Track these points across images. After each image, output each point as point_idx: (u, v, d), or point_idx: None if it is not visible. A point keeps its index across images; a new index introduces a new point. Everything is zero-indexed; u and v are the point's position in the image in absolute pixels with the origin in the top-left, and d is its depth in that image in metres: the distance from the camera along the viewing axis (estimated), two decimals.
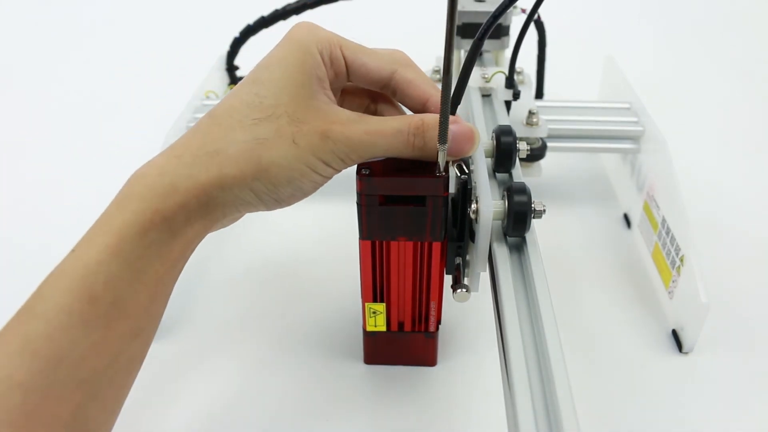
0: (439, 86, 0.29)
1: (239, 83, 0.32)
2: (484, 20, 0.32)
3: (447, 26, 0.27)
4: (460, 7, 0.53)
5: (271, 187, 0.31)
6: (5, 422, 0.25)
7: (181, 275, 0.32)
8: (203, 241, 0.32)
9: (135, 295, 0.28)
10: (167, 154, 0.31)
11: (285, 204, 0.33)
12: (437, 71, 0.54)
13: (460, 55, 0.57)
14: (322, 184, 0.33)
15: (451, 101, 0.33)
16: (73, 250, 0.28)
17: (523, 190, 0.33)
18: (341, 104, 0.36)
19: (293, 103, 0.31)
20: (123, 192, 0.30)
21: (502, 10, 0.30)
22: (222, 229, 0.57)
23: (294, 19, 0.59)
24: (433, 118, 0.32)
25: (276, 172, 0.30)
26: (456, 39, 0.55)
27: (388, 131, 0.31)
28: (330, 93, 0.33)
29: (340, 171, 0.32)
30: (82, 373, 0.26)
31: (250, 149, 0.30)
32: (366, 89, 0.36)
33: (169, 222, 0.29)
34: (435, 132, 0.31)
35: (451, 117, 0.32)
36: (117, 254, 0.28)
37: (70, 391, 0.26)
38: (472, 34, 0.54)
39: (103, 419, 0.28)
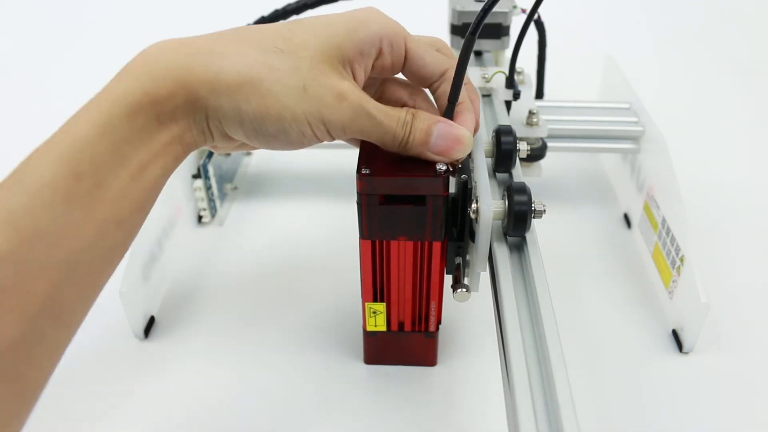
0: None
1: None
2: None
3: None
4: (459, 7, 0.53)
5: (258, 116, 0.30)
6: None
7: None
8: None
9: (118, 179, 0.27)
10: (178, 39, 0.30)
11: (264, 140, 0.31)
12: None
13: None
14: (308, 143, 0.32)
15: (448, 99, 0.33)
16: (64, 124, 0.27)
17: (523, 189, 0.33)
18: (380, 95, 0.37)
19: (322, 53, 0.30)
20: (123, 68, 0.29)
21: (491, 4, 0.30)
22: (221, 229, 0.57)
23: (294, 19, 0.59)
24: (424, 114, 0.33)
25: (270, 103, 0.29)
26: (456, 39, 0.55)
27: (394, 116, 0.32)
28: (362, 72, 0.32)
29: (331, 139, 0.32)
30: (60, 253, 0.26)
31: (258, 70, 0.29)
32: (405, 84, 0.37)
33: (157, 108, 0.28)
34: (421, 124, 0.32)
35: (448, 120, 0.33)
36: (104, 133, 0.27)
37: (47, 269, 0.25)
38: None
39: (77, 306, 0.28)
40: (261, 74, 0.29)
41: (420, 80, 0.35)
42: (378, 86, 0.37)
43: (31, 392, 0.26)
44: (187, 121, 0.30)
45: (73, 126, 0.27)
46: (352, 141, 0.37)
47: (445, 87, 0.34)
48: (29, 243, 0.25)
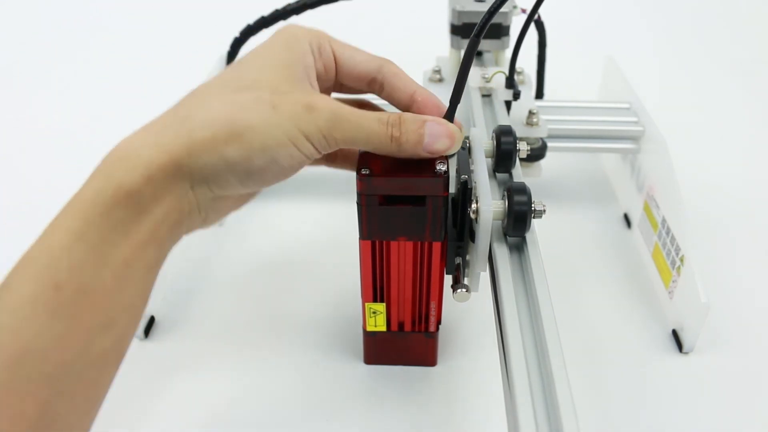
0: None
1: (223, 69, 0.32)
2: None
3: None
4: (459, 7, 0.53)
5: (244, 153, 0.29)
6: None
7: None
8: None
9: (101, 281, 0.26)
10: (140, 128, 0.30)
11: (259, 179, 0.31)
12: (437, 71, 0.54)
13: (459, 55, 0.57)
14: (299, 165, 0.31)
15: (450, 101, 0.33)
16: (42, 233, 0.27)
17: (523, 190, 0.33)
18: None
19: (276, 79, 0.31)
20: (93, 172, 0.28)
21: (497, 6, 0.30)
22: (221, 229, 0.57)
23: (294, 20, 0.59)
24: (410, 115, 0.32)
25: (251, 137, 0.29)
26: (456, 39, 0.55)
27: (371, 116, 0.31)
28: (316, 83, 0.33)
29: (318, 154, 0.31)
30: (47, 368, 0.25)
31: (225, 112, 0.29)
32: (355, 99, 0.37)
33: (135, 197, 0.27)
34: (412, 125, 0.32)
35: (436, 118, 0.33)
36: (80, 238, 0.26)
37: (35, 386, 0.25)
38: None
39: (74, 420, 0.27)
40: (231, 116, 0.29)
41: (356, 80, 0.35)
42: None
43: None
44: (172, 197, 0.29)
45: (50, 235, 0.26)
46: (346, 163, 0.38)
47: (393, 81, 0.35)
48: (15, 362, 0.24)
